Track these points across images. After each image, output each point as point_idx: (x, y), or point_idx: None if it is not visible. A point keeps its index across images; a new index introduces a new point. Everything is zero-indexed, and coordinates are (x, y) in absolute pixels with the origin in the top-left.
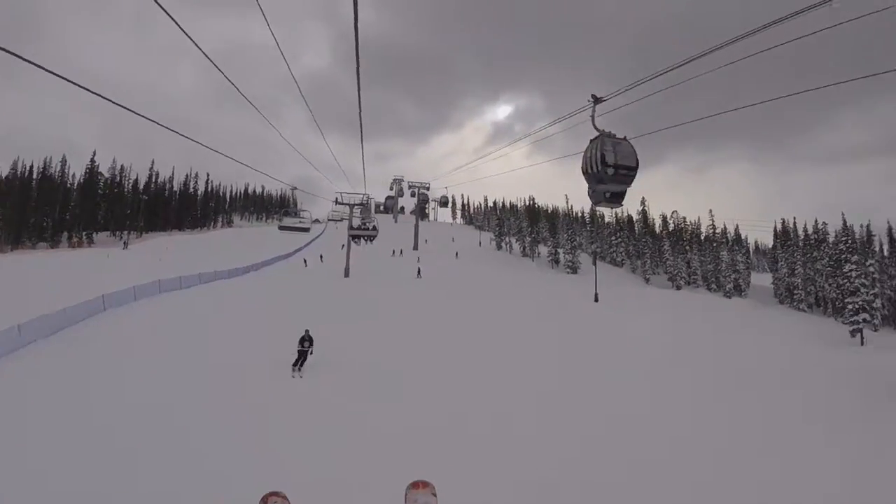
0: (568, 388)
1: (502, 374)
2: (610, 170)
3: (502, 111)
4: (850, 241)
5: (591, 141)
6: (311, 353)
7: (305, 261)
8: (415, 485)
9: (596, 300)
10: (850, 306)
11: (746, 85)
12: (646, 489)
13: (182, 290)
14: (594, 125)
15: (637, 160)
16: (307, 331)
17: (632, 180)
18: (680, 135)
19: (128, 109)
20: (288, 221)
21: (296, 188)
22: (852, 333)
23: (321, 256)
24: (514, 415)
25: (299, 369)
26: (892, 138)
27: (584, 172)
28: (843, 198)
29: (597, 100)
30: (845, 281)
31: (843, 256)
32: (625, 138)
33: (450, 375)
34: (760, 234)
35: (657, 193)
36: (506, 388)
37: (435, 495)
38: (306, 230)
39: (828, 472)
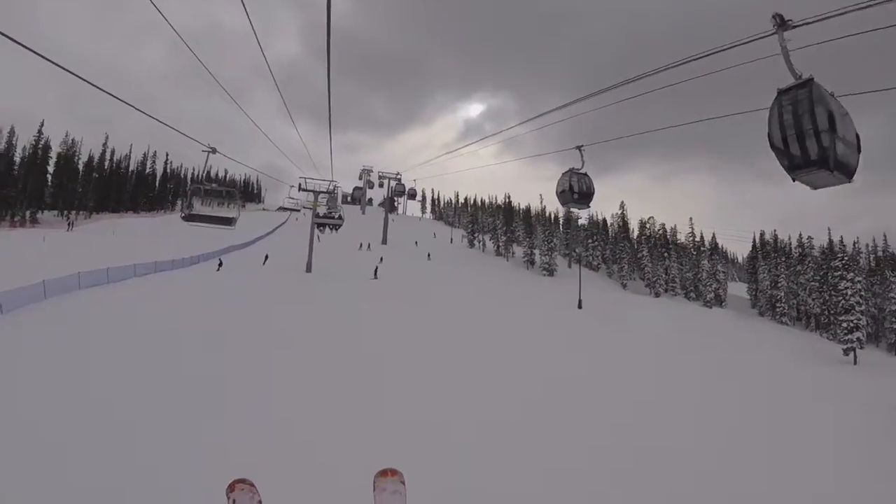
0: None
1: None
2: (840, 145)
3: (474, 109)
4: (845, 258)
5: (784, 92)
6: None
7: (221, 262)
8: (383, 473)
9: (580, 307)
10: (844, 324)
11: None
12: None
13: (108, 285)
14: (789, 65)
15: (857, 134)
16: None
17: (853, 170)
18: (645, 143)
19: (87, 81)
20: (199, 208)
21: (215, 150)
22: (845, 352)
23: (266, 256)
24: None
25: None
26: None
27: (778, 147)
28: (800, 213)
29: (782, 23)
30: (840, 298)
31: (839, 273)
32: (832, 94)
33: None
34: (727, 244)
35: (619, 199)
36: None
37: (403, 483)
38: (228, 223)
39: None
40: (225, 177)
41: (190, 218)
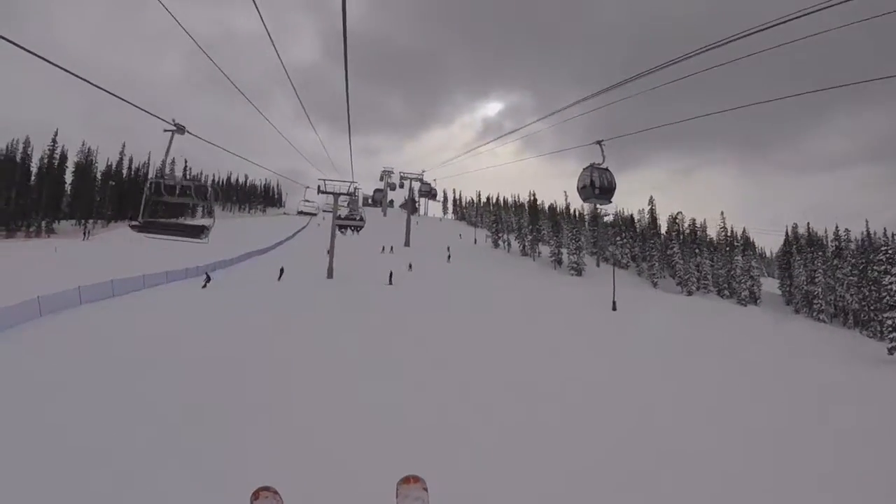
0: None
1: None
2: None
3: (492, 107)
4: (889, 251)
5: None
6: None
7: (208, 277)
8: (406, 480)
9: (614, 308)
10: (889, 322)
11: (734, 90)
12: None
13: (114, 299)
14: None
15: None
16: None
17: None
18: (666, 136)
19: (104, 90)
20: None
21: (183, 130)
22: (890, 351)
23: (281, 270)
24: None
25: None
26: (869, 147)
27: None
28: (823, 204)
29: None
30: (885, 294)
31: (883, 267)
32: None
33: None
34: (754, 238)
35: (642, 194)
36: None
37: (426, 490)
38: (197, 234)
39: None
40: (245, 183)
41: (144, 227)
